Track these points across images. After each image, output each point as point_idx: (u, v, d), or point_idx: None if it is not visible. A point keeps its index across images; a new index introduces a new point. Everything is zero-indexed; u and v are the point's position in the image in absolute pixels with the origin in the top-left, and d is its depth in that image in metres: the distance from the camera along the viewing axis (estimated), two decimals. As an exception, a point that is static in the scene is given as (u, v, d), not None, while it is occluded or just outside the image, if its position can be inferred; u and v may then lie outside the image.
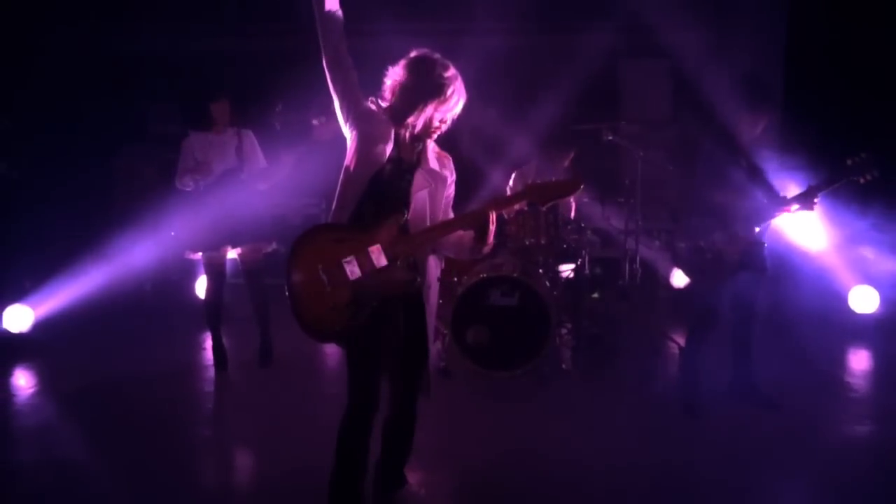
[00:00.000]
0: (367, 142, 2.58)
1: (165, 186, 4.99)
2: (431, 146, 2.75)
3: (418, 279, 2.65)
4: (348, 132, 2.66)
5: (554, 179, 2.64)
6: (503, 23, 7.17)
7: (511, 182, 5.76)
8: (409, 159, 2.67)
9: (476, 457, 3.56)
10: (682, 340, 4.40)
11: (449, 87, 2.55)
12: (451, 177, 2.79)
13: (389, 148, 2.60)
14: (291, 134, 4.71)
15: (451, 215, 2.82)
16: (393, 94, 2.63)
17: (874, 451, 3.71)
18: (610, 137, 5.11)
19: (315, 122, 4.29)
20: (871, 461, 3.58)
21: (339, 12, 2.67)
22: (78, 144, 7.21)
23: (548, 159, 5.66)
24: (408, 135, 2.64)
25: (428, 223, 2.68)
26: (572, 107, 6.79)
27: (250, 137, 4.92)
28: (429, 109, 2.56)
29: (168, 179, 4.91)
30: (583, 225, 5.35)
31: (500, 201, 2.67)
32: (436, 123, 2.62)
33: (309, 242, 2.56)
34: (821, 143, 4.14)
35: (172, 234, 4.75)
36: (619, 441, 3.79)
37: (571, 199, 5.66)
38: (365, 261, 2.52)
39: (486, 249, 2.65)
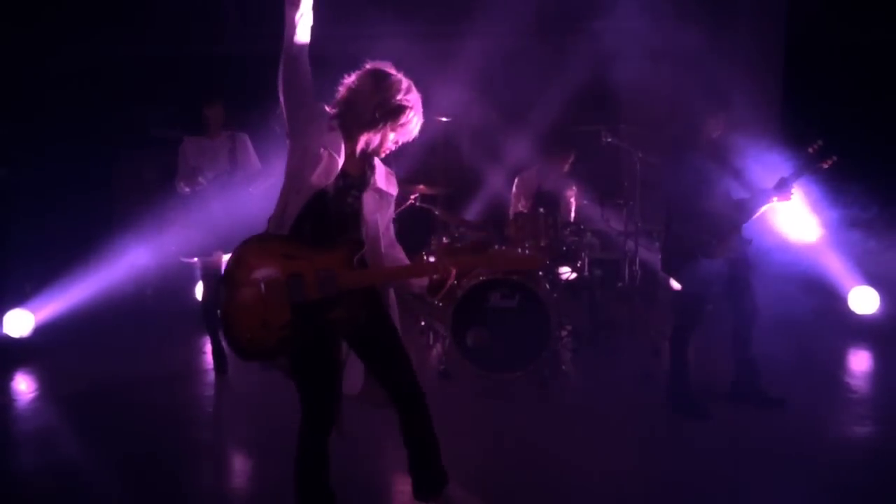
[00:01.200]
0: (319, 149, 2.40)
1: (167, 191, 5.01)
2: (378, 162, 2.61)
3: (360, 318, 2.52)
4: (296, 137, 2.45)
5: (518, 254, 2.61)
6: (501, 25, 7.16)
7: (514, 188, 5.75)
8: (355, 174, 2.52)
9: (476, 458, 3.55)
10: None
11: (409, 110, 2.43)
12: (395, 194, 2.68)
13: (342, 161, 2.45)
14: None
15: (392, 231, 2.72)
16: (347, 105, 2.47)
17: (874, 451, 3.71)
18: (609, 139, 5.11)
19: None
20: (872, 461, 3.58)
21: (306, 42, 2.44)
22: (79, 149, 7.23)
23: (548, 163, 5.66)
24: (357, 150, 2.49)
25: (381, 246, 2.57)
26: (571, 109, 6.79)
27: (244, 141, 4.91)
28: (385, 130, 2.45)
29: (170, 184, 4.93)
30: (582, 227, 5.35)
31: (461, 261, 2.59)
32: (389, 144, 2.50)
33: (254, 252, 2.38)
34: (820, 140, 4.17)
35: (173, 248, 4.76)
36: (620, 442, 3.80)
37: (572, 200, 5.67)
38: (312, 284, 2.36)
39: (433, 299, 2.57)
